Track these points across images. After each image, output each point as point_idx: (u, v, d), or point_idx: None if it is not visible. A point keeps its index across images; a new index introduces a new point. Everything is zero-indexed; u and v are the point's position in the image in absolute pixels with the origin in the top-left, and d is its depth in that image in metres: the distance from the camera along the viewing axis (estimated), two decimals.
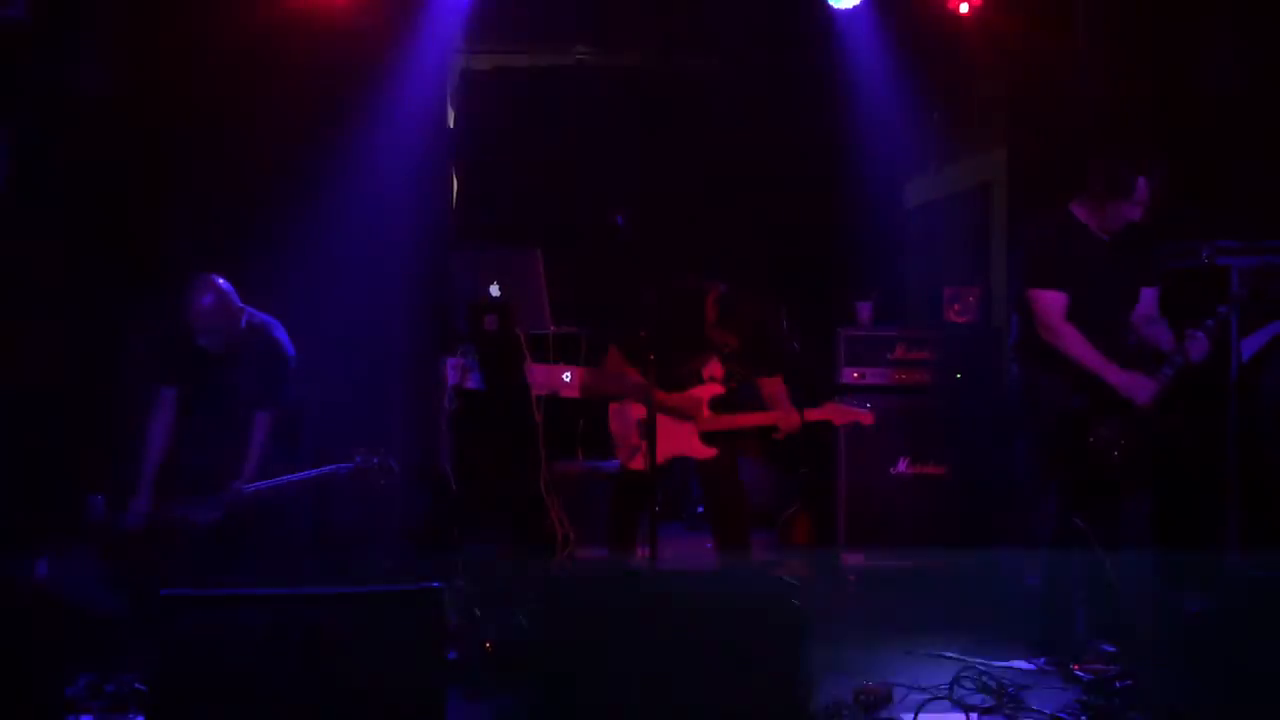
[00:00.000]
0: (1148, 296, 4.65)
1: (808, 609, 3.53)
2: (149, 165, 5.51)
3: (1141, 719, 3.61)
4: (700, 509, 4.45)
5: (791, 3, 6.69)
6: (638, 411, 4.85)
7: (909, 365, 5.93)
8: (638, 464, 4.84)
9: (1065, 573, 4.56)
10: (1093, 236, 4.52)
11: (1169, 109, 5.27)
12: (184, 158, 5.62)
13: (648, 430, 4.34)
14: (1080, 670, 4.25)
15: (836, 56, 6.55)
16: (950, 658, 4.49)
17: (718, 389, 4.91)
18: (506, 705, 4.03)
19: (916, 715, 3.80)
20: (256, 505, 4.64)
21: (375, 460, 4.47)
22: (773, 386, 4.93)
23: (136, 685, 3.90)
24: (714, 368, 4.91)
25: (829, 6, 6.30)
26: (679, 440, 4.84)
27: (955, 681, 4.16)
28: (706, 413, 4.78)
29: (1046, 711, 3.88)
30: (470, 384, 4.95)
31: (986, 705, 3.99)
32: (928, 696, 3.97)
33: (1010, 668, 4.39)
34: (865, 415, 4.88)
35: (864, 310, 6.10)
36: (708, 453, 4.80)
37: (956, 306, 6.05)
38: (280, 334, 4.86)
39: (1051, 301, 4.45)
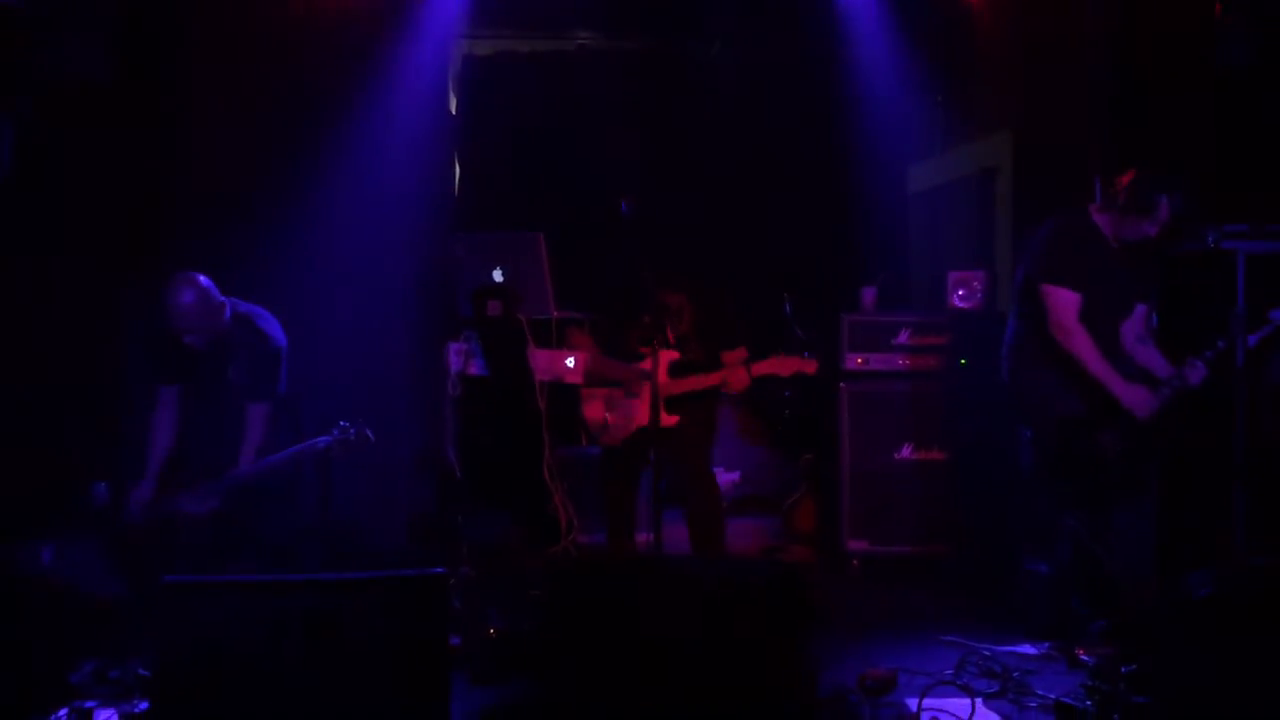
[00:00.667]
0: (1138, 314, 4.63)
1: (812, 594, 3.52)
2: (148, 153, 5.49)
3: (1146, 703, 3.60)
4: (663, 484, 4.48)
5: None
6: (604, 391, 4.89)
7: (913, 351, 5.91)
8: (611, 440, 4.88)
9: (1071, 558, 4.55)
10: (1106, 243, 4.51)
11: (1178, 92, 5.24)
12: (184, 145, 5.60)
13: (651, 403, 4.35)
14: (1085, 655, 4.26)
15: (840, 40, 6.52)
16: (955, 642, 4.49)
17: (674, 355, 4.95)
18: (511, 691, 4.04)
19: (921, 700, 3.79)
20: (251, 490, 4.63)
21: (352, 431, 4.46)
22: (733, 357, 4.98)
23: (140, 671, 3.90)
24: (669, 335, 4.98)
25: None
26: (641, 412, 4.88)
27: (960, 666, 4.17)
28: (664, 379, 4.80)
29: (1051, 696, 3.88)
30: (473, 370, 4.94)
31: (991, 690, 4.00)
32: (932, 681, 3.97)
33: (1015, 652, 4.39)
34: (809, 364, 4.93)
35: (868, 296, 6.09)
36: (669, 420, 4.82)
37: (961, 292, 6.03)
38: (267, 324, 4.81)
39: (1068, 300, 4.43)
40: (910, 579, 5.67)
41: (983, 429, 5.80)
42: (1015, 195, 6.36)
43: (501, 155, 7.18)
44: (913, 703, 3.82)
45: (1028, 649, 4.45)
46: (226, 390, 4.73)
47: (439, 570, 3.38)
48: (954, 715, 3.72)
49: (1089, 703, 3.74)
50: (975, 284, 6.01)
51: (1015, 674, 4.09)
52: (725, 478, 6.77)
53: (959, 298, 6.02)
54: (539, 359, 4.69)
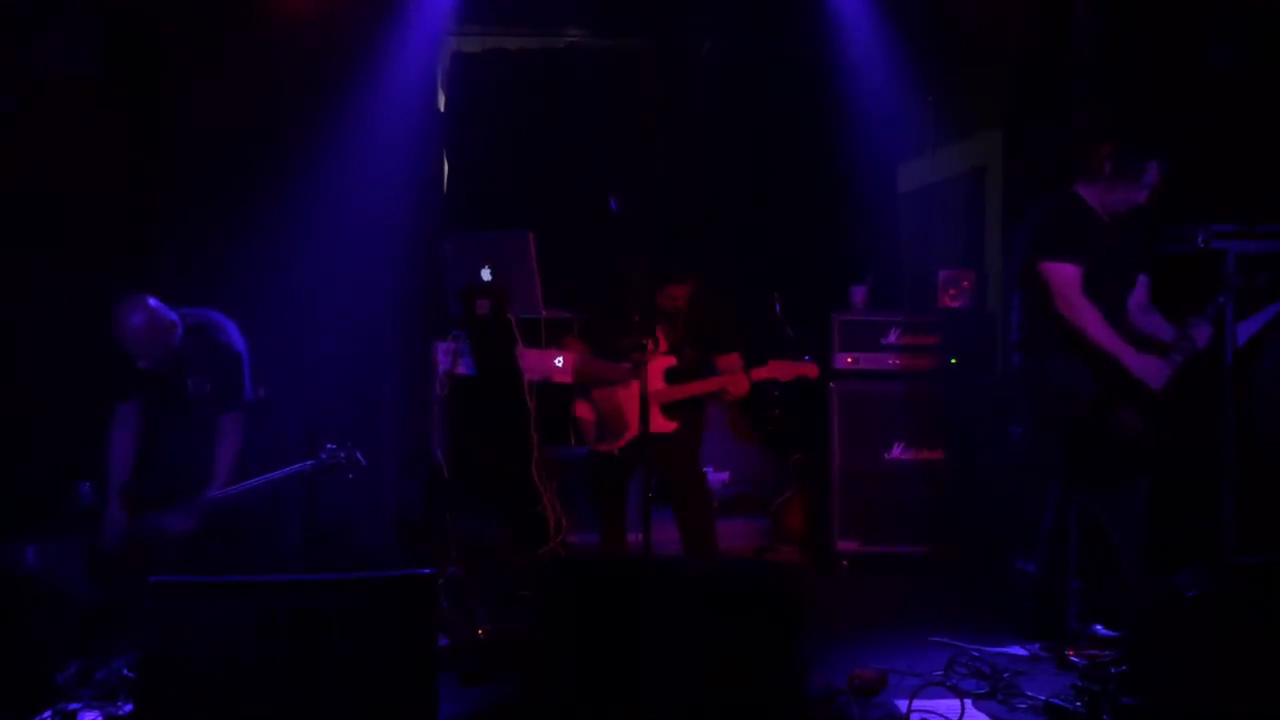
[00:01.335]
0: (1141, 284, 4.62)
1: (802, 594, 3.51)
2: (133, 151, 5.46)
3: (1136, 704, 3.60)
4: (653, 493, 4.48)
5: None
6: (599, 394, 4.89)
7: (904, 350, 5.91)
8: (609, 448, 4.90)
9: (1061, 559, 4.55)
10: (1096, 217, 4.48)
11: (1168, 90, 5.24)
12: (170, 142, 5.57)
13: (641, 407, 4.34)
14: (1075, 656, 4.25)
15: (830, 39, 6.51)
16: (944, 643, 4.49)
17: (670, 360, 4.95)
18: (499, 691, 4.02)
19: (911, 701, 3.79)
20: (229, 510, 4.55)
21: (342, 455, 4.40)
22: (729, 362, 4.97)
23: (126, 673, 3.88)
24: (663, 340, 4.98)
25: None
26: (634, 423, 4.87)
27: (949, 667, 4.17)
28: (662, 385, 4.78)
29: (1041, 697, 3.88)
30: (462, 369, 4.92)
31: (981, 690, 3.99)
32: (922, 682, 3.97)
33: (1004, 653, 4.39)
34: (810, 368, 4.94)
35: (858, 295, 6.08)
36: (668, 426, 4.80)
37: (951, 291, 6.03)
38: (223, 334, 4.69)
39: (1068, 274, 4.37)
40: (900, 579, 5.67)
41: (973, 428, 5.81)
42: (1005, 194, 6.36)
43: (490, 153, 7.16)
44: (902, 704, 3.82)
45: (1017, 650, 4.44)
46: (189, 406, 4.64)
47: (427, 571, 3.36)
48: (943, 716, 3.72)
49: (1078, 703, 3.74)
50: (965, 283, 6.01)
51: (1005, 675, 4.09)
52: (715, 477, 6.76)
53: (949, 297, 6.02)
54: (528, 358, 4.67)
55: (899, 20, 6.37)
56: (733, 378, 4.88)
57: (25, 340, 5.18)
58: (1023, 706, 3.89)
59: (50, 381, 5.15)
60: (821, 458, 5.98)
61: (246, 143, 5.62)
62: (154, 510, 4.52)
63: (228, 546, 4.53)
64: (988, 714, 3.83)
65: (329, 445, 4.41)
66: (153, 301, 4.51)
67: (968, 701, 3.83)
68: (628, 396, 4.89)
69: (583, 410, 5.01)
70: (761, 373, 4.89)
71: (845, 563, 5.84)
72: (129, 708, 3.73)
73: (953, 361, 5.87)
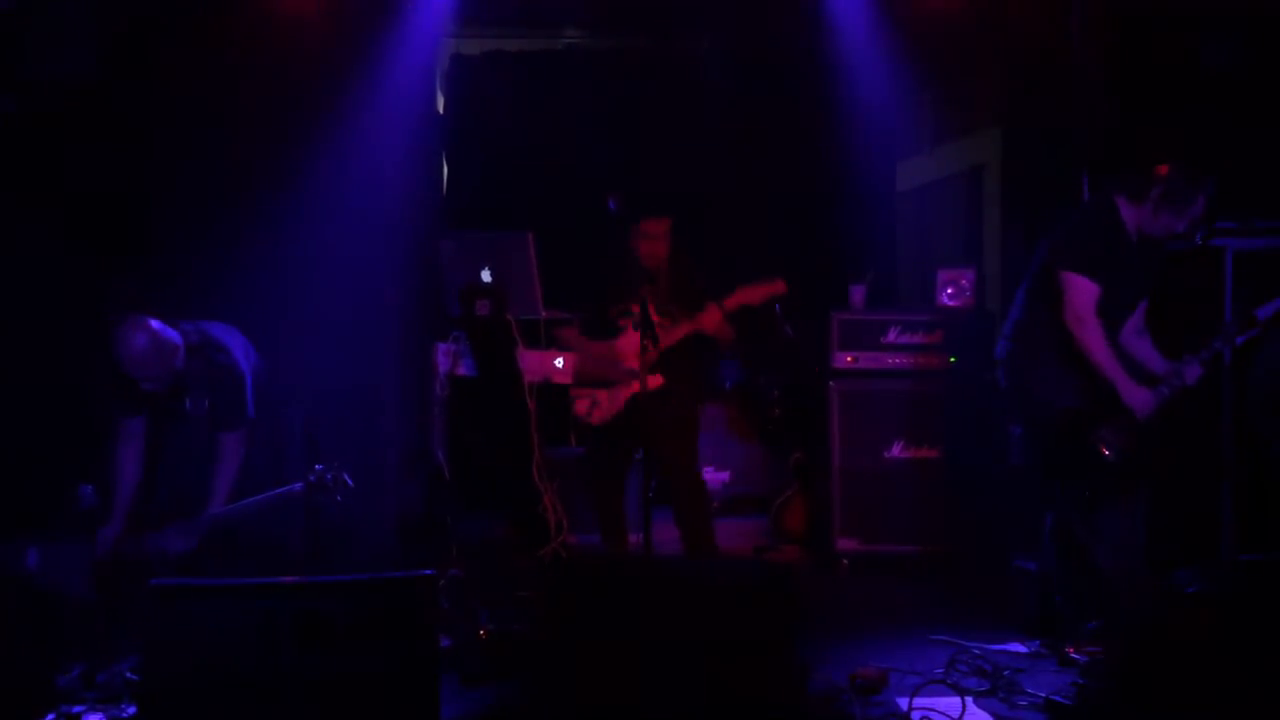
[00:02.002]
0: (1140, 307, 4.63)
1: (802, 594, 3.52)
2: (135, 154, 5.47)
3: (1134, 702, 3.60)
4: (651, 494, 4.51)
5: None
6: (592, 368, 4.93)
7: (902, 349, 5.91)
8: (603, 416, 4.95)
9: (1064, 555, 4.56)
10: (1128, 236, 4.48)
11: (1164, 87, 5.25)
12: (170, 145, 5.58)
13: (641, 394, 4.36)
14: (1075, 653, 4.26)
15: (828, 38, 6.52)
16: (945, 641, 4.49)
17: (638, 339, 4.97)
18: (501, 692, 4.03)
19: (912, 699, 3.79)
20: (227, 530, 4.53)
21: (329, 476, 4.38)
22: (708, 316, 5.00)
23: (128, 675, 3.88)
24: (639, 304, 5.00)
25: None
26: (626, 388, 4.94)
27: (950, 665, 4.17)
28: (636, 364, 4.81)
29: (1041, 694, 3.89)
30: (462, 370, 4.92)
31: (982, 688, 4.00)
32: (923, 680, 3.97)
33: (1005, 651, 4.39)
34: (776, 285, 4.97)
35: (857, 293, 6.09)
36: (655, 381, 4.83)
37: (950, 290, 6.03)
38: (223, 353, 4.66)
39: (1088, 290, 4.37)
40: (900, 578, 5.67)
41: (972, 426, 5.81)
42: (1004, 193, 6.37)
43: (489, 154, 7.17)
44: (903, 702, 3.82)
45: (1018, 647, 4.45)
46: (191, 425, 4.62)
47: (428, 572, 3.37)
48: (944, 714, 3.72)
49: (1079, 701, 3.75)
50: (964, 282, 6.01)
51: (1006, 672, 4.09)
52: (715, 477, 6.77)
53: (948, 295, 6.03)
54: (528, 359, 4.68)
55: (897, 18, 6.37)
56: (706, 316, 4.92)
57: (25, 343, 5.18)
58: (1024, 704, 3.89)
59: (51, 384, 5.16)
60: (821, 457, 5.98)
61: (245, 145, 5.62)
62: (153, 529, 4.52)
63: (227, 565, 4.51)
64: (989, 712, 3.84)
65: (318, 466, 4.39)
66: (154, 323, 4.47)
67: (969, 699, 3.83)
68: (621, 355, 4.93)
69: (581, 406, 5.04)
70: (732, 301, 4.93)
71: (845, 562, 5.84)
72: (131, 710, 3.74)
73: (952, 360, 5.88)
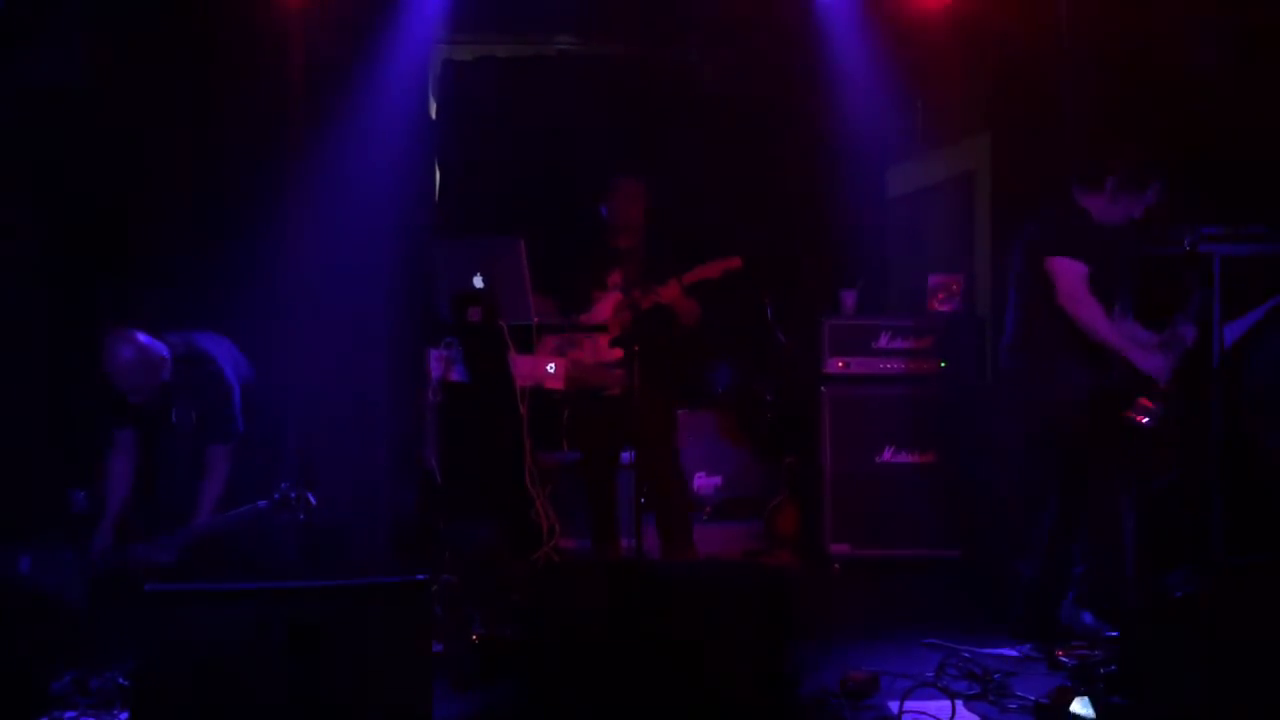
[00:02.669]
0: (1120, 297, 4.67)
1: (793, 598, 3.53)
2: (125, 158, 5.47)
3: (1125, 704, 3.62)
4: (643, 500, 4.54)
5: None
6: (576, 372, 4.99)
7: (894, 354, 5.94)
8: (555, 384, 5.04)
9: (1061, 559, 4.58)
10: (1098, 226, 4.54)
11: (1152, 93, 5.28)
12: (160, 151, 5.58)
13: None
14: (1065, 656, 4.28)
15: (818, 45, 6.54)
16: (935, 645, 4.50)
17: (617, 296, 5.09)
18: (493, 697, 4.03)
19: (902, 702, 3.80)
20: (208, 544, 4.54)
21: (293, 494, 4.38)
22: (668, 290, 5.05)
23: (121, 681, 3.88)
24: (616, 277, 5.12)
25: None
26: (599, 352, 5.04)
27: (941, 668, 4.18)
28: (612, 317, 4.92)
29: (1031, 698, 3.90)
30: (454, 376, 4.92)
31: (972, 692, 4.01)
32: (914, 684, 3.99)
33: (995, 654, 4.41)
34: (732, 261, 5.02)
35: (848, 299, 6.11)
36: (616, 354, 4.93)
37: (941, 295, 6.06)
38: (211, 365, 4.68)
39: (1076, 271, 4.40)
40: (892, 581, 5.69)
41: (963, 431, 5.83)
42: (994, 198, 6.39)
43: (481, 160, 7.17)
44: (894, 705, 3.83)
45: (1008, 651, 4.46)
46: (178, 437, 4.64)
47: (421, 577, 3.38)
48: (935, 717, 3.73)
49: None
50: (955, 287, 6.04)
51: (996, 676, 4.11)
52: (706, 482, 6.78)
53: (939, 301, 6.05)
54: (520, 365, 4.69)
55: (887, 25, 6.39)
56: (664, 288, 4.98)
57: (17, 348, 5.18)
58: (1013, 707, 3.91)
59: (43, 390, 5.16)
60: (813, 462, 6.00)
61: (236, 151, 5.63)
62: (138, 541, 4.52)
63: (211, 576, 4.51)
64: (979, 715, 3.85)
65: (283, 484, 4.40)
66: (141, 336, 4.49)
67: (959, 702, 3.84)
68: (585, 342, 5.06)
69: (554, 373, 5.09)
70: (690, 277, 4.98)
71: (837, 566, 5.86)
72: (124, 716, 3.74)
73: (942, 365, 5.90)
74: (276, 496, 4.37)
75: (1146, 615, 3.71)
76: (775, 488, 6.47)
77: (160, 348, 4.53)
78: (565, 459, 5.69)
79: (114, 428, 4.65)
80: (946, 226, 6.87)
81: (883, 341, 5.93)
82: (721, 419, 7.03)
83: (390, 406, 5.92)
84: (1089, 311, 4.40)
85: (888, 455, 5.89)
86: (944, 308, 6.03)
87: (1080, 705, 3.60)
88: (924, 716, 3.74)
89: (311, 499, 4.34)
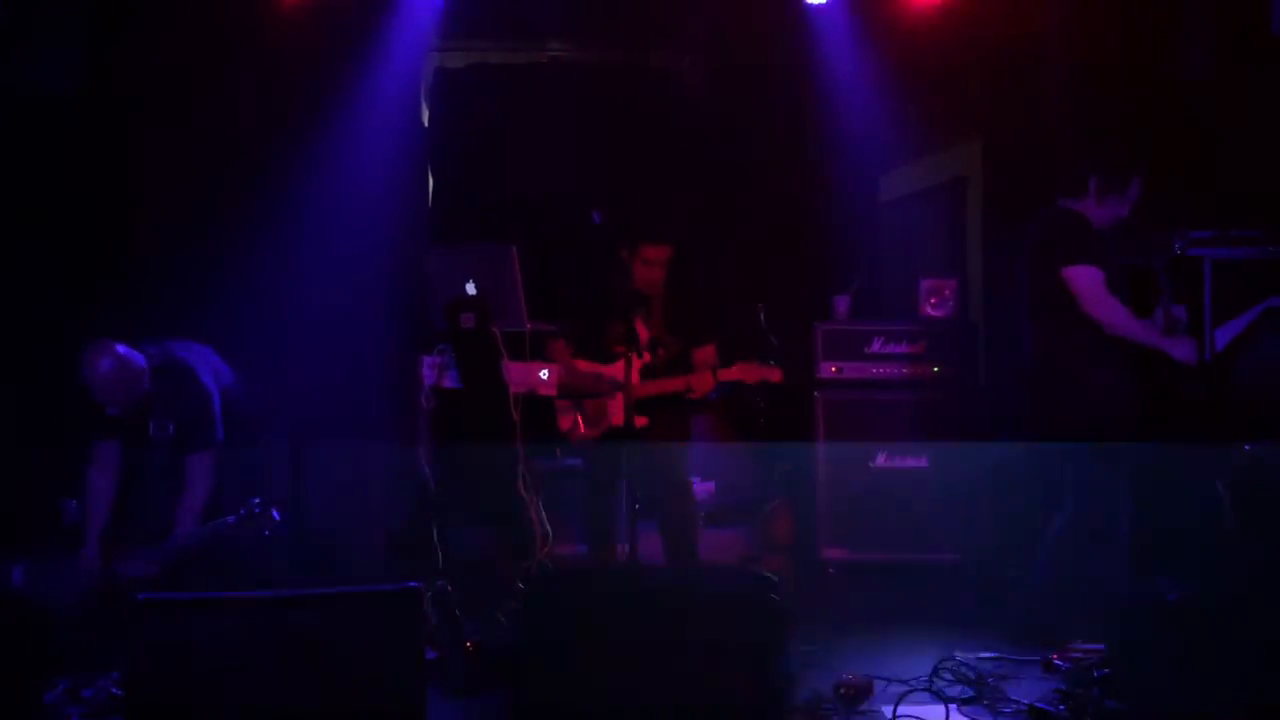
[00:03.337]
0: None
1: (787, 603, 3.54)
2: (117, 167, 5.47)
3: (1119, 708, 3.63)
4: (639, 506, 4.54)
5: None
6: (571, 379, 4.97)
7: (886, 359, 5.94)
8: (583, 436, 5.04)
9: (1062, 565, 4.59)
10: (1093, 230, 4.56)
11: (1143, 100, 5.30)
12: (155, 158, 5.58)
13: (626, 408, 4.38)
14: (1059, 660, 4.28)
15: (810, 51, 6.55)
16: (930, 649, 4.50)
17: (645, 357, 4.99)
18: (487, 704, 4.03)
19: (896, 707, 3.81)
20: (188, 556, 4.52)
21: (258, 510, 4.37)
22: (704, 354, 5.07)
23: (114, 690, 3.88)
24: (642, 333, 5.03)
25: (804, 2, 6.30)
26: (613, 413, 4.96)
27: (935, 673, 4.19)
28: (636, 380, 4.83)
29: (1025, 702, 3.91)
30: (447, 383, 4.93)
31: (966, 696, 4.02)
32: (908, 688, 3.99)
33: (990, 658, 4.41)
34: (773, 372, 5.00)
35: (841, 304, 6.11)
36: (640, 421, 4.85)
37: (933, 300, 6.07)
38: (188, 376, 4.63)
39: (1093, 276, 4.43)
40: (885, 586, 5.69)
41: (957, 436, 5.83)
42: (986, 203, 6.41)
43: (474, 167, 7.18)
44: (888, 710, 3.84)
45: (1003, 655, 4.47)
46: (157, 448, 4.61)
47: (414, 584, 3.38)
48: None
49: (1062, 708, 3.77)
50: (947, 292, 6.05)
51: (990, 680, 4.12)
52: (701, 487, 6.77)
53: (931, 305, 6.06)
54: (513, 371, 4.69)
55: (878, 32, 6.41)
56: (698, 377, 4.96)
57: (8, 358, 5.17)
58: (1008, 711, 3.92)
59: (35, 399, 5.15)
60: (807, 467, 6.00)
61: (229, 159, 5.63)
62: (121, 553, 4.50)
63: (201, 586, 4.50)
64: (972, 719, 3.86)
65: (253, 500, 4.39)
66: (121, 348, 4.46)
67: (953, 707, 3.85)
68: (607, 396, 4.96)
69: (564, 421, 5.08)
70: (728, 373, 4.98)
71: (831, 570, 5.86)
72: None
73: (935, 370, 5.91)
74: (243, 511, 4.35)
75: (1141, 618, 3.72)
76: (769, 493, 6.48)
77: (138, 358, 4.50)
78: (559, 465, 5.69)
79: (95, 440, 4.61)
80: (939, 231, 6.88)
81: (875, 346, 5.94)
82: (715, 424, 7.03)
83: (384, 413, 5.92)
84: (1114, 313, 4.44)
85: (881, 460, 5.89)
86: (936, 312, 6.04)
87: None
88: None
89: (275, 515, 4.32)
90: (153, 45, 5.56)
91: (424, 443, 5.31)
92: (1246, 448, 4.43)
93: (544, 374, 4.67)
